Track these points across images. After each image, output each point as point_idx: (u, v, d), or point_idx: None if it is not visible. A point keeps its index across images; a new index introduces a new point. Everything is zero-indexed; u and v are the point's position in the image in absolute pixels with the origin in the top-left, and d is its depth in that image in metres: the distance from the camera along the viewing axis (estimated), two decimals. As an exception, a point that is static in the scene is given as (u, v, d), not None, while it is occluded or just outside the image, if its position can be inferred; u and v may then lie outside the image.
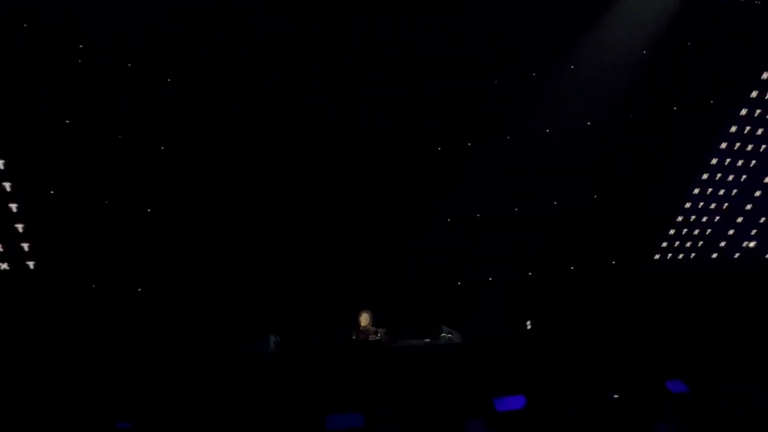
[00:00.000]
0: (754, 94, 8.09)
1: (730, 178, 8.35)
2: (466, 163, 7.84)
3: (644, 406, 5.93)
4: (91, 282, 6.84)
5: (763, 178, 8.48)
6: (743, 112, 8.15)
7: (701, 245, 8.54)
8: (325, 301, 7.24)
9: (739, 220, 8.53)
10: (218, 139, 7.03)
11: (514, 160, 7.91)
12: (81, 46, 6.44)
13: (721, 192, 8.40)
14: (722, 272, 8.45)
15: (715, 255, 8.60)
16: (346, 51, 7.07)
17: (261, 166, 7.15)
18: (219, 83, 6.92)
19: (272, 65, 6.92)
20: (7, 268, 6.48)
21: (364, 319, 6.59)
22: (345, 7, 6.85)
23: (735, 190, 8.45)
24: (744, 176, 8.41)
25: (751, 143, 8.30)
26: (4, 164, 6.26)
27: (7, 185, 6.33)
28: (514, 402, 5.73)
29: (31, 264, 6.52)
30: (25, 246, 6.46)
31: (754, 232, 8.63)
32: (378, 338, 6.43)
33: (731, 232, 8.51)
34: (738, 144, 8.29)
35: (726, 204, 8.44)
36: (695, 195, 8.29)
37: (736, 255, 8.64)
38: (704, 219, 8.46)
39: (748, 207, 8.53)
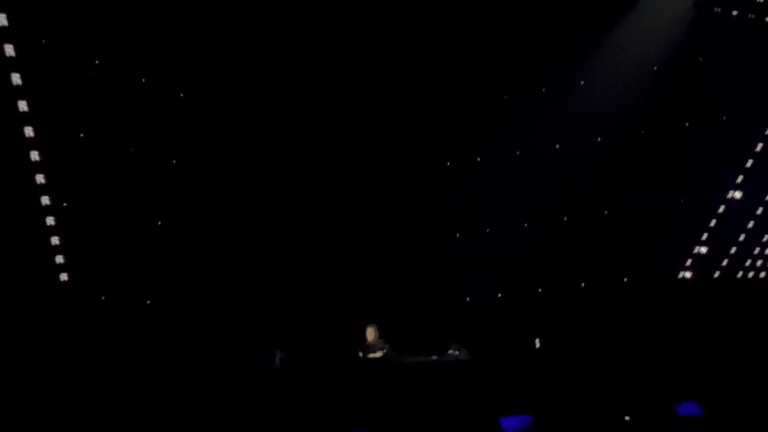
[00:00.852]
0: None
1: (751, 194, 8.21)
2: (476, 178, 7.81)
3: (657, 429, 5.78)
4: (102, 293, 6.90)
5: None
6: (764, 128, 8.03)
7: (716, 263, 8.39)
8: (331, 316, 7.21)
9: (765, 239, 8.34)
10: (228, 154, 7.07)
11: (523, 176, 7.87)
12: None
13: (735, 209, 8.27)
14: (745, 292, 8.27)
15: (738, 274, 8.44)
16: (360, 54, 7.06)
17: (270, 182, 7.19)
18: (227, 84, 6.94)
19: (277, 64, 6.91)
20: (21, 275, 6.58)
21: (370, 333, 6.54)
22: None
23: (758, 209, 8.29)
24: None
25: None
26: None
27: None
28: (522, 422, 5.62)
29: (45, 274, 6.59)
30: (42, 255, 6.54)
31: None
32: (384, 354, 6.38)
33: (756, 251, 8.33)
34: (753, 161, 8.17)
35: (749, 222, 8.28)
36: (707, 212, 8.17)
37: (762, 274, 8.46)
38: (724, 237, 8.31)
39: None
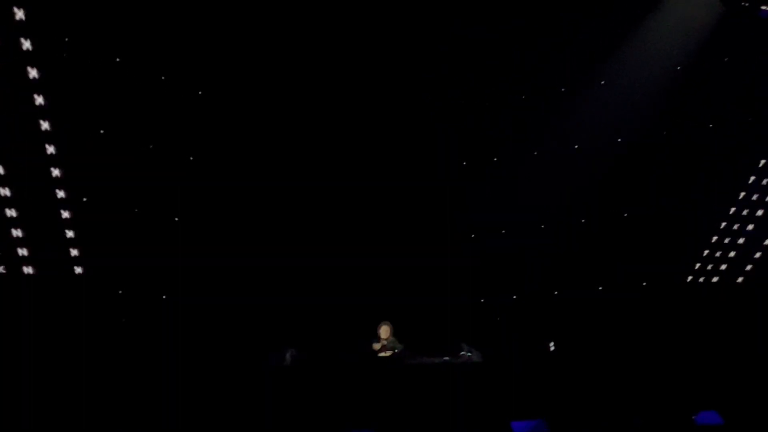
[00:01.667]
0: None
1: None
2: (493, 178, 7.72)
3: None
4: (118, 288, 6.96)
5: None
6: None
7: (738, 267, 8.15)
8: (344, 314, 7.18)
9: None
10: (244, 151, 7.09)
11: (542, 177, 7.75)
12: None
13: (760, 213, 8.02)
14: (761, 295, 8.04)
15: (752, 276, 8.20)
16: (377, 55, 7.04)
17: (284, 180, 7.18)
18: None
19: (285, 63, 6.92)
20: (32, 271, 6.66)
21: (384, 331, 6.50)
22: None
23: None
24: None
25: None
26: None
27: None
28: (534, 427, 5.52)
29: (65, 268, 6.66)
30: (60, 250, 6.62)
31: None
32: (396, 353, 6.33)
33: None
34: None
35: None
36: (731, 215, 7.94)
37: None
38: (741, 240, 8.07)
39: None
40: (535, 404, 5.73)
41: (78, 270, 6.73)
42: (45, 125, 6.16)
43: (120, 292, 6.97)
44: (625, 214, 7.95)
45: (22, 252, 6.52)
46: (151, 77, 6.60)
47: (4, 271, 6.58)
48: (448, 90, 7.26)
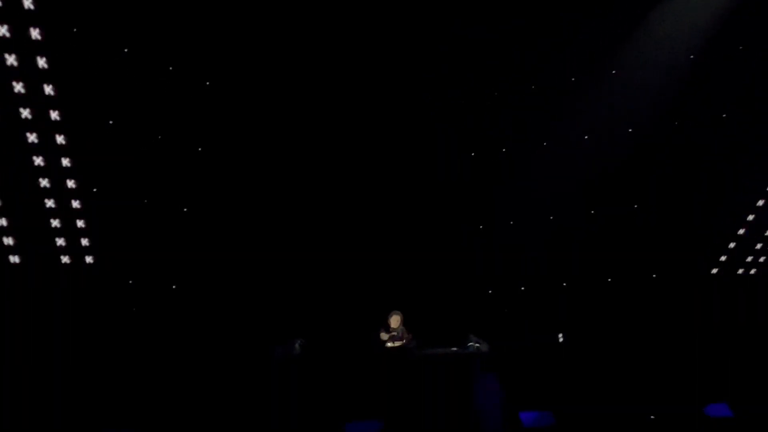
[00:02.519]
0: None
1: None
2: (501, 169, 7.68)
3: (684, 430, 5.61)
4: (129, 278, 7.01)
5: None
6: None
7: (751, 259, 8.05)
8: (353, 304, 7.19)
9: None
10: (252, 143, 7.09)
11: (551, 167, 7.70)
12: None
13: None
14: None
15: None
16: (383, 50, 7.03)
17: (293, 171, 7.19)
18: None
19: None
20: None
21: (395, 320, 6.50)
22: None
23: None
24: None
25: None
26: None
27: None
28: (542, 417, 5.52)
29: (66, 259, 6.72)
30: (63, 241, 6.67)
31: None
32: (404, 343, 6.34)
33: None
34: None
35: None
36: (744, 206, 7.83)
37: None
38: (761, 233, 7.94)
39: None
40: (544, 395, 5.73)
41: (89, 260, 6.78)
42: (54, 115, 6.19)
43: (130, 282, 7.02)
44: (635, 206, 7.88)
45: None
46: (158, 68, 6.61)
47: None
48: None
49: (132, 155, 6.69)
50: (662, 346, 6.87)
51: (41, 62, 5.98)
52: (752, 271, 8.07)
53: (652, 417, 5.73)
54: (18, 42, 5.89)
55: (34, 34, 5.86)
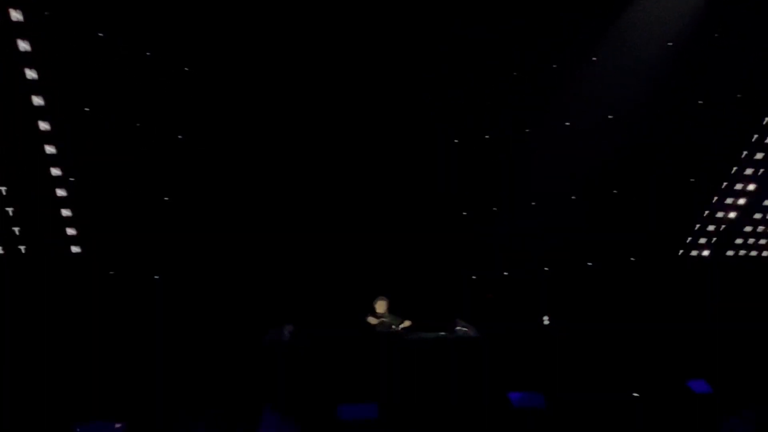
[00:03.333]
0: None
1: (760, 172, 8.08)
2: (485, 156, 7.75)
3: (667, 407, 5.77)
4: (110, 269, 6.90)
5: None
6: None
7: (727, 241, 8.31)
8: (340, 290, 7.20)
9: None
10: (236, 127, 7.02)
11: (533, 154, 7.80)
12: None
13: (750, 187, 8.15)
14: (751, 269, 8.23)
15: (742, 252, 8.37)
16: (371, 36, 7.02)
17: (279, 158, 7.15)
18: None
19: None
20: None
21: (380, 306, 6.54)
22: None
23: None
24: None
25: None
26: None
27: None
28: (531, 397, 5.62)
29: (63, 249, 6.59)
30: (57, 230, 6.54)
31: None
32: (393, 329, 6.38)
33: (761, 228, 8.26)
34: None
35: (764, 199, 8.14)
36: (722, 190, 8.07)
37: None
38: (731, 215, 8.21)
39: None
40: (532, 377, 5.83)
41: (75, 249, 6.65)
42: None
43: (115, 271, 6.91)
44: (614, 191, 8.05)
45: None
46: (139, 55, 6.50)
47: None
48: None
49: (115, 142, 6.57)
50: (645, 326, 7.05)
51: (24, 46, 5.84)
52: (729, 253, 8.32)
53: (635, 395, 5.88)
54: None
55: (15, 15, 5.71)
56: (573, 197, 8.00)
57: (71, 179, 6.47)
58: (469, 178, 7.69)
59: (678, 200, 8.02)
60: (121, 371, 5.71)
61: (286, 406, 5.45)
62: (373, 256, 7.35)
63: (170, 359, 5.70)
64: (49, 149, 6.27)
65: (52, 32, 6.02)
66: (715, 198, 8.03)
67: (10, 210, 6.34)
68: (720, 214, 8.12)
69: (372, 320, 6.44)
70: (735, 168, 7.95)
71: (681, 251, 8.18)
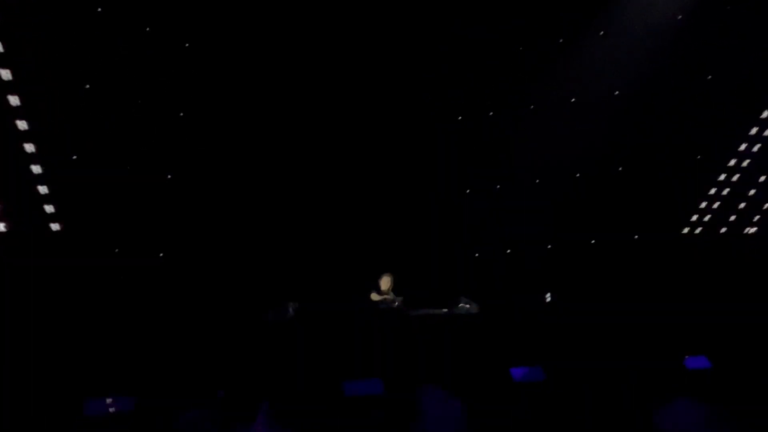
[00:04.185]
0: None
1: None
2: (488, 132, 7.69)
3: (665, 381, 5.84)
4: (114, 246, 6.93)
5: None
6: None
7: (733, 219, 8.30)
8: (344, 267, 7.24)
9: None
10: (236, 107, 6.97)
11: (538, 131, 7.73)
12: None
13: (756, 164, 8.10)
14: (754, 246, 8.24)
15: (750, 230, 8.37)
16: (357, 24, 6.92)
17: (278, 137, 7.11)
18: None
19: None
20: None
21: (385, 282, 6.57)
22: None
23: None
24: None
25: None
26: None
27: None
28: (531, 372, 5.69)
29: (56, 227, 6.58)
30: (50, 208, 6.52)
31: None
32: (397, 305, 6.43)
33: (766, 206, 8.24)
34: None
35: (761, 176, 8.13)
36: (729, 167, 8.03)
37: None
38: (737, 192, 8.19)
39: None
40: (533, 352, 5.89)
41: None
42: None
43: (116, 250, 6.94)
44: (620, 168, 8.01)
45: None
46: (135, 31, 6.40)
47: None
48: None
49: (111, 120, 6.52)
50: (644, 302, 7.10)
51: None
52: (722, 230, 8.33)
53: (631, 369, 5.94)
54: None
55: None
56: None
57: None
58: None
59: (681, 176, 7.98)
60: (122, 348, 5.76)
61: (288, 383, 5.52)
62: (377, 235, 7.37)
63: (173, 339, 5.75)
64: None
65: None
66: (723, 175, 8.00)
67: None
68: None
69: (375, 297, 6.48)
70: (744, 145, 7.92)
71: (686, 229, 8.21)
